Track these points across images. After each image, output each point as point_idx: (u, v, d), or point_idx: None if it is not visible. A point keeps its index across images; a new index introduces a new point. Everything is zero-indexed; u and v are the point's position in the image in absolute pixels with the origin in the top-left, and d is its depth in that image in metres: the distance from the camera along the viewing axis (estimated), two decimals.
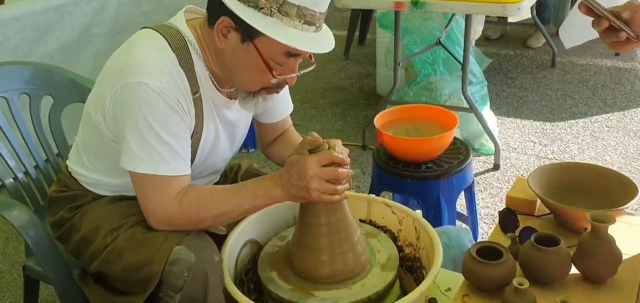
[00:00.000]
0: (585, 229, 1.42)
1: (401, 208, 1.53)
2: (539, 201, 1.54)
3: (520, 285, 1.18)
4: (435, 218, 1.92)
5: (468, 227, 2.11)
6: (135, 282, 1.28)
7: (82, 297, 1.42)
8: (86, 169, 1.41)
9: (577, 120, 3.39)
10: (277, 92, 1.33)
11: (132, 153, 1.23)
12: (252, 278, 1.44)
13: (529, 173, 1.55)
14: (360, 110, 3.68)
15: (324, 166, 1.25)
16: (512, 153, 3.05)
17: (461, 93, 2.94)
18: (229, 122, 1.42)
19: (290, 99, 1.61)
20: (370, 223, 1.58)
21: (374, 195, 1.59)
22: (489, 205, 2.61)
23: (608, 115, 3.43)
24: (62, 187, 1.46)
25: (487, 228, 2.40)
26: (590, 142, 3.14)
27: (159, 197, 1.25)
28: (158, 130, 1.22)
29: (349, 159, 1.29)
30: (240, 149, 1.74)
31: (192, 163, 1.34)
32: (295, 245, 1.36)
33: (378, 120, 1.99)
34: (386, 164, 1.96)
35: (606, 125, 3.31)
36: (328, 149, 1.29)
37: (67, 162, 1.47)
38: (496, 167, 2.91)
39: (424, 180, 1.91)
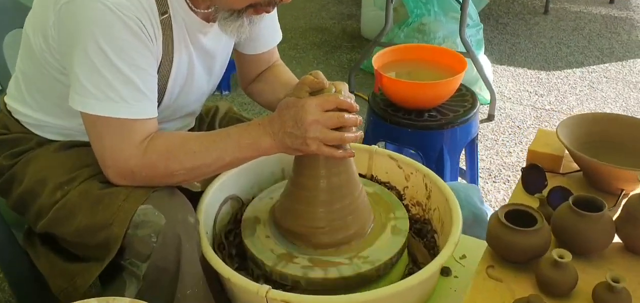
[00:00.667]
0: (622, 190, 1.24)
1: (409, 162, 1.32)
2: (564, 157, 1.34)
3: (561, 257, 0.98)
4: (436, 174, 1.71)
5: (476, 185, 1.91)
6: (91, 247, 1.04)
7: (27, 262, 1.17)
8: (28, 108, 1.15)
9: (574, 69, 3.21)
10: (268, 11, 1.06)
11: (83, 89, 0.97)
12: (234, 241, 1.21)
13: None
14: (344, 53, 3.43)
15: (327, 111, 1.02)
16: (507, 103, 2.86)
17: (457, 36, 2.71)
18: (205, 51, 1.16)
19: (278, 26, 1.35)
20: (372, 178, 1.36)
21: (376, 146, 1.37)
22: (484, 159, 2.42)
23: (606, 65, 3.26)
24: (0, 129, 1.19)
25: (484, 184, 2.22)
26: (589, 93, 2.97)
27: (119, 144, 1.00)
28: (115, 61, 0.96)
29: (358, 106, 1.06)
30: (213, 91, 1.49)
31: (160, 104, 1.09)
32: (285, 211, 1.13)
33: (377, 60, 1.75)
34: (384, 111, 1.73)
35: (604, 76, 3.13)
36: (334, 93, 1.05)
37: (6, 99, 1.20)
38: (490, 117, 2.72)
39: (426, 129, 1.69)
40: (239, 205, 1.30)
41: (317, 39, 3.64)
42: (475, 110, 1.74)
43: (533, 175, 1.27)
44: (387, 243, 1.12)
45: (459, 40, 2.76)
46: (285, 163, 1.36)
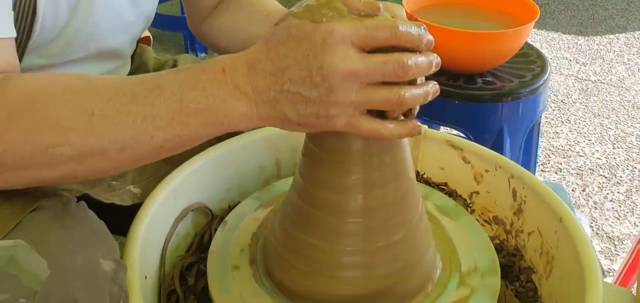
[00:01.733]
0: None
1: (483, 153, 0.82)
2: None
3: None
4: None
5: (560, 185, 1.42)
6: None
7: None
8: None
9: (617, 35, 2.72)
10: None
11: None
12: (196, 286, 0.71)
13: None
14: None
15: (371, 52, 0.51)
16: None
17: None
18: None
19: None
20: (418, 177, 0.87)
21: (425, 127, 0.87)
22: None
23: None
24: None
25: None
26: None
27: None
28: None
29: (431, 37, 0.56)
30: None
31: (32, 24, 0.59)
32: (285, 246, 0.62)
33: (409, 2, 1.24)
34: None
35: None
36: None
37: None
38: None
39: (479, 101, 1.19)
40: (206, 219, 0.80)
41: None
42: (546, 77, 1.24)
43: None
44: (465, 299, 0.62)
45: None
46: (282, 151, 0.86)
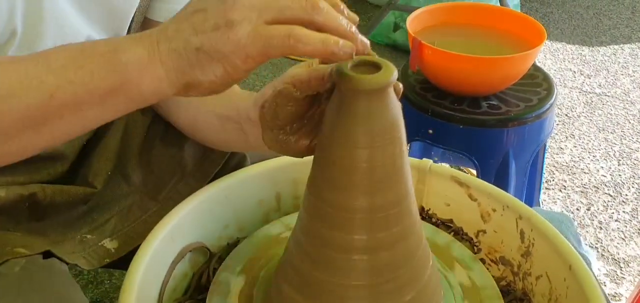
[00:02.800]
0: None
1: (489, 190, 0.79)
2: None
3: None
4: None
5: (568, 215, 1.40)
6: None
7: None
8: None
9: (621, 46, 2.69)
10: None
11: None
12: None
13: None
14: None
15: None
16: None
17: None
18: None
19: None
20: (423, 213, 0.84)
21: (431, 161, 0.84)
22: None
23: None
24: None
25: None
26: None
27: None
28: None
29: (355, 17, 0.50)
30: None
31: None
32: (291, 284, 0.60)
33: (413, 23, 1.22)
34: (422, 98, 1.20)
35: None
36: None
37: None
38: None
39: (484, 126, 1.17)
40: (204, 257, 0.77)
41: None
42: (552, 101, 1.21)
43: None
44: None
45: (494, 1, 2.23)
46: (281, 183, 0.83)
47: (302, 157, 0.62)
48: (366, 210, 0.54)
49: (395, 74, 0.51)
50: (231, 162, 0.85)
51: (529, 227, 0.74)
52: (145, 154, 0.83)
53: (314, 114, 0.59)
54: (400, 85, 0.55)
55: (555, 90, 1.24)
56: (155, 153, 0.83)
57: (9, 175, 0.69)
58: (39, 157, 0.72)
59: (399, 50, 2.43)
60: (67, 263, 0.65)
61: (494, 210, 0.79)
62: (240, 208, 0.80)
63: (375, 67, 0.51)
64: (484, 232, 0.80)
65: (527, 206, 0.76)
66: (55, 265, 0.61)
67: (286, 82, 0.54)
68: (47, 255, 0.61)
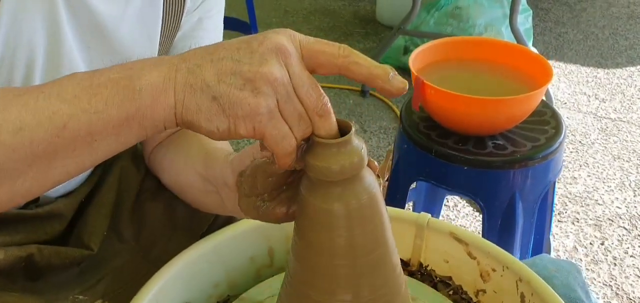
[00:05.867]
0: None
1: (489, 249, 0.76)
2: None
3: None
4: (503, 233, 1.16)
5: (574, 262, 1.35)
6: None
7: None
8: None
9: (638, 67, 2.63)
10: None
11: None
12: None
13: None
14: (357, 42, 2.86)
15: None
16: (562, 110, 2.29)
17: (502, 24, 2.14)
18: (89, 12, 0.62)
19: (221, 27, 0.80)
20: (421, 271, 0.81)
21: (429, 215, 0.81)
22: None
23: None
24: None
25: (558, 245, 1.62)
26: None
27: None
28: None
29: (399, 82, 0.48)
30: None
31: None
32: None
33: (416, 60, 1.19)
34: (425, 136, 1.17)
35: None
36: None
37: None
38: None
39: (490, 167, 1.13)
40: None
41: (323, 23, 3.07)
42: (560, 140, 1.17)
43: None
44: None
45: (504, 28, 2.19)
46: (274, 239, 0.81)
47: (280, 223, 0.60)
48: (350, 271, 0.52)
49: (363, 154, 0.48)
50: (221, 217, 0.83)
51: (529, 291, 0.71)
52: (138, 210, 0.81)
53: (293, 181, 0.56)
54: (375, 163, 0.53)
55: (564, 128, 1.20)
56: (147, 207, 0.82)
57: (7, 234, 0.69)
58: (37, 216, 0.72)
59: (409, 73, 2.39)
60: None
61: (494, 270, 0.75)
62: (232, 265, 0.78)
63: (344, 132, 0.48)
64: (484, 291, 0.77)
65: (527, 268, 0.73)
66: None
67: (265, 154, 0.52)
68: None
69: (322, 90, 0.46)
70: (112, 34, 0.64)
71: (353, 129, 0.49)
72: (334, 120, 0.47)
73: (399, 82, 0.47)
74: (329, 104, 0.46)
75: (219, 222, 0.83)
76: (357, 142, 0.49)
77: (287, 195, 0.57)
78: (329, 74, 0.48)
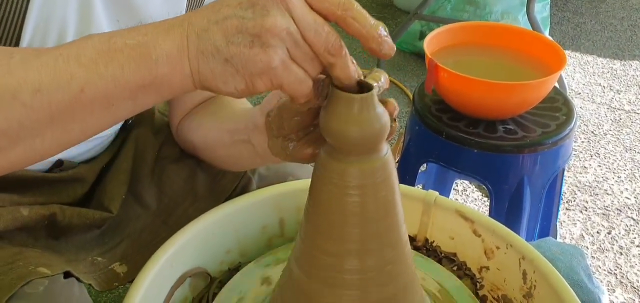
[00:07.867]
0: None
1: (494, 227, 0.78)
2: None
3: None
4: (510, 217, 1.18)
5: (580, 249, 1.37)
6: None
7: None
8: None
9: None
10: None
11: None
12: None
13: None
14: None
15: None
16: (576, 99, 2.29)
17: (519, 11, 2.14)
18: None
19: None
20: (426, 246, 0.84)
21: (437, 193, 0.83)
22: None
23: None
24: None
25: (565, 233, 1.64)
26: None
27: None
28: None
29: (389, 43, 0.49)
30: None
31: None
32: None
33: (430, 43, 1.20)
34: (436, 119, 1.19)
35: None
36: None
37: None
38: None
39: (499, 151, 1.15)
40: (205, 282, 0.78)
41: None
42: (571, 127, 1.19)
43: None
44: None
45: (521, 16, 2.19)
46: (285, 210, 0.83)
47: (309, 163, 0.62)
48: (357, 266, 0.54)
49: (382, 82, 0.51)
50: (239, 187, 0.85)
51: (531, 269, 0.73)
52: (157, 175, 0.84)
53: (319, 122, 0.59)
54: (393, 103, 0.54)
55: (575, 115, 1.21)
56: (168, 174, 0.84)
57: (31, 195, 0.72)
58: (60, 179, 0.75)
59: (423, 59, 2.40)
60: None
61: (498, 248, 0.78)
62: (243, 233, 0.81)
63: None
64: (487, 268, 0.79)
65: (531, 247, 0.75)
66: (75, 285, 0.63)
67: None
68: (66, 274, 0.63)
69: (331, 28, 0.46)
70: (141, 8, 0.67)
71: (376, 86, 0.49)
72: (349, 60, 0.47)
73: (388, 49, 0.48)
74: (339, 41, 0.46)
75: (237, 192, 0.86)
76: (379, 109, 0.49)
77: (314, 136, 0.58)
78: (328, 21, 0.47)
